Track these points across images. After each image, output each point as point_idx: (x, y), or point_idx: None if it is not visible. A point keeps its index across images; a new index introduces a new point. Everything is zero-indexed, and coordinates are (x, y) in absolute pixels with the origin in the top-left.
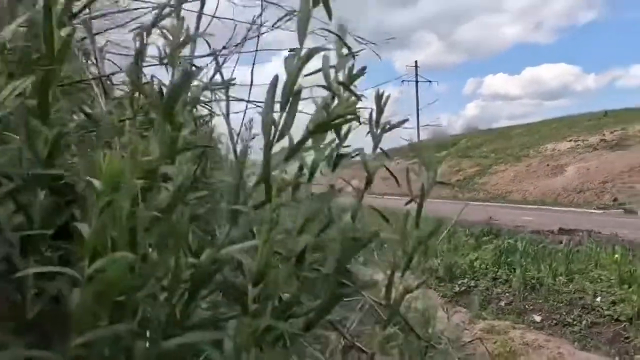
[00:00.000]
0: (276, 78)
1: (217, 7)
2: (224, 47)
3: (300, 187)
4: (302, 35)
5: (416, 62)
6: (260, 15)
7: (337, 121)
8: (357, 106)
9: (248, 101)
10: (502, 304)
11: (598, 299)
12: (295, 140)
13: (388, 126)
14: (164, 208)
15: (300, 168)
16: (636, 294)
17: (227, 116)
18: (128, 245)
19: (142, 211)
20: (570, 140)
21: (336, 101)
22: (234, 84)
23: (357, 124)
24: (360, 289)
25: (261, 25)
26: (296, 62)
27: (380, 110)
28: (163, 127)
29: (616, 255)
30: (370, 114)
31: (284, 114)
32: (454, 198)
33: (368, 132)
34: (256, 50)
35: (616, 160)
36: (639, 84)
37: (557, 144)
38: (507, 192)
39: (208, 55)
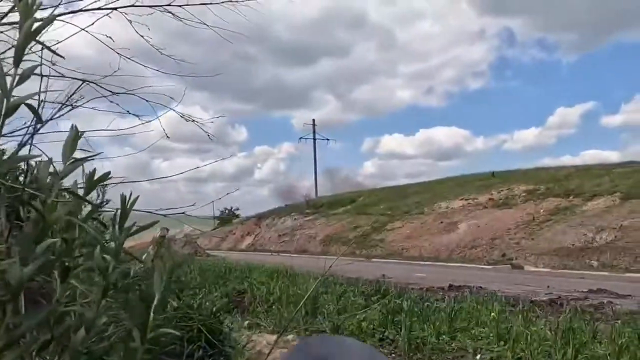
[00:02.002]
0: None
1: None
2: None
3: None
4: None
5: (314, 120)
6: None
7: None
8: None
9: None
10: None
11: (478, 356)
12: None
13: (133, 230)
14: None
15: None
16: (511, 350)
17: None
18: None
19: None
20: (462, 199)
21: None
22: None
23: None
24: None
25: None
26: None
27: (125, 215)
28: None
29: (492, 314)
30: (115, 215)
31: None
32: (351, 254)
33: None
34: None
35: (503, 218)
36: (522, 148)
37: (450, 202)
38: (403, 249)
39: None
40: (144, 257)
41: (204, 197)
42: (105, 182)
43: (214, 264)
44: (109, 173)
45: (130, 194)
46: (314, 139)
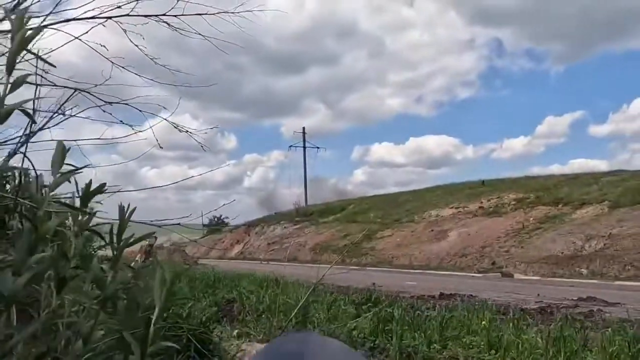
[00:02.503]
0: None
1: None
2: None
3: None
4: None
5: (304, 128)
6: None
7: None
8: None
9: None
10: None
11: None
12: None
13: (131, 241)
14: None
15: None
16: (502, 359)
17: None
18: None
19: None
20: (452, 207)
21: None
22: None
23: None
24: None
25: None
26: None
27: (123, 226)
28: None
29: (483, 322)
30: (111, 229)
31: None
32: (342, 263)
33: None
34: None
35: (493, 226)
36: (510, 157)
37: (441, 210)
38: (393, 257)
39: None
40: (132, 264)
41: (193, 206)
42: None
43: (202, 272)
44: (104, 185)
45: (129, 205)
46: (304, 147)
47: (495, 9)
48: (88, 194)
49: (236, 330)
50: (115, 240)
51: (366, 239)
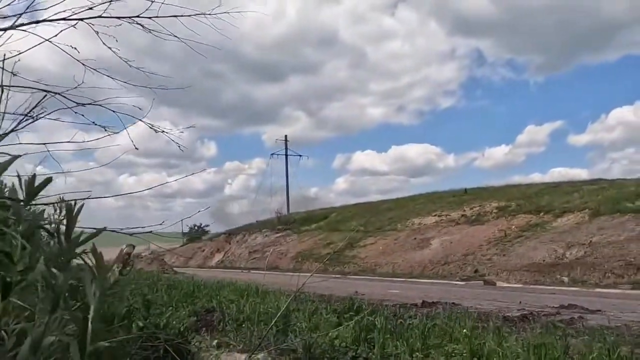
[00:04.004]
0: None
1: None
2: None
3: None
4: None
5: (286, 136)
6: None
7: None
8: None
9: None
10: None
11: None
12: None
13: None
14: None
15: None
16: None
17: None
18: None
19: None
20: (435, 215)
21: None
22: None
23: None
24: None
25: None
26: None
27: (71, 224)
28: None
29: (464, 330)
30: (58, 229)
31: None
32: (324, 272)
33: None
34: None
35: (475, 234)
36: (492, 165)
37: (423, 219)
38: (376, 265)
39: None
40: (109, 275)
41: (172, 214)
42: (69, 199)
43: (181, 281)
44: (50, 179)
45: (75, 203)
46: (286, 155)
47: (476, 19)
48: (32, 188)
49: (216, 340)
50: (63, 240)
51: (349, 248)
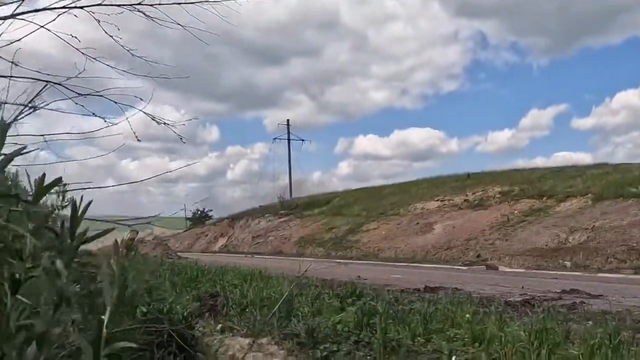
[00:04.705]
0: None
1: None
2: None
3: None
4: None
5: (288, 120)
6: None
7: None
8: None
9: None
10: None
11: (453, 358)
12: None
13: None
14: None
15: None
16: (485, 352)
17: None
18: None
19: None
20: (438, 200)
21: None
22: None
23: None
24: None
25: None
26: None
27: (76, 221)
28: None
29: (467, 315)
30: (62, 224)
31: None
32: (327, 256)
33: None
34: None
35: (478, 219)
36: (495, 150)
37: (426, 203)
38: (379, 250)
39: None
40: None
41: (175, 199)
42: (70, 189)
43: (185, 266)
44: (60, 179)
45: (82, 198)
46: (289, 140)
47: (479, 1)
48: (41, 188)
49: (220, 325)
50: (69, 237)
51: (351, 233)
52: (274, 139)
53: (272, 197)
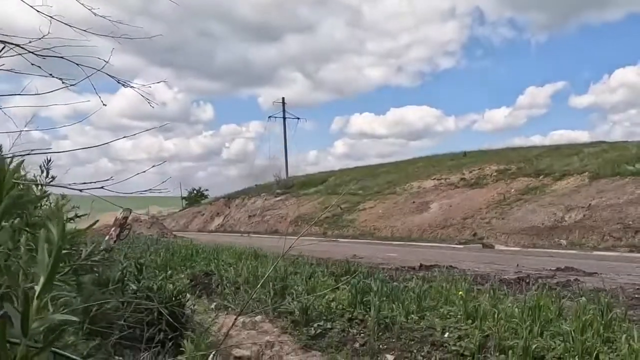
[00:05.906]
0: None
1: None
2: None
3: None
4: None
5: (283, 98)
6: None
7: None
8: None
9: None
10: (357, 345)
11: (446, 334)
12: None
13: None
14: None
15: None
16: (478, 328)
17: None
18: None
19: None
20: (434, 179)
21: None
22: None
23: None
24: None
25: None
26: None
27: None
28: None
29: (460, 292)
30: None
31: None
32: (323, 235)
33: None
34: None
35: (475, 198)
36: (492, 128)
37: (423, 182)
38: (375, 229)
39: None
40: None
41: (169, 177)
42: (40, 152)
43: (180, 245)
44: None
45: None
46: (284, 118)
47: None
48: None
49: (214, 303)
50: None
51: (348, 211)
52: (269, 117)
53: (268, 176)
